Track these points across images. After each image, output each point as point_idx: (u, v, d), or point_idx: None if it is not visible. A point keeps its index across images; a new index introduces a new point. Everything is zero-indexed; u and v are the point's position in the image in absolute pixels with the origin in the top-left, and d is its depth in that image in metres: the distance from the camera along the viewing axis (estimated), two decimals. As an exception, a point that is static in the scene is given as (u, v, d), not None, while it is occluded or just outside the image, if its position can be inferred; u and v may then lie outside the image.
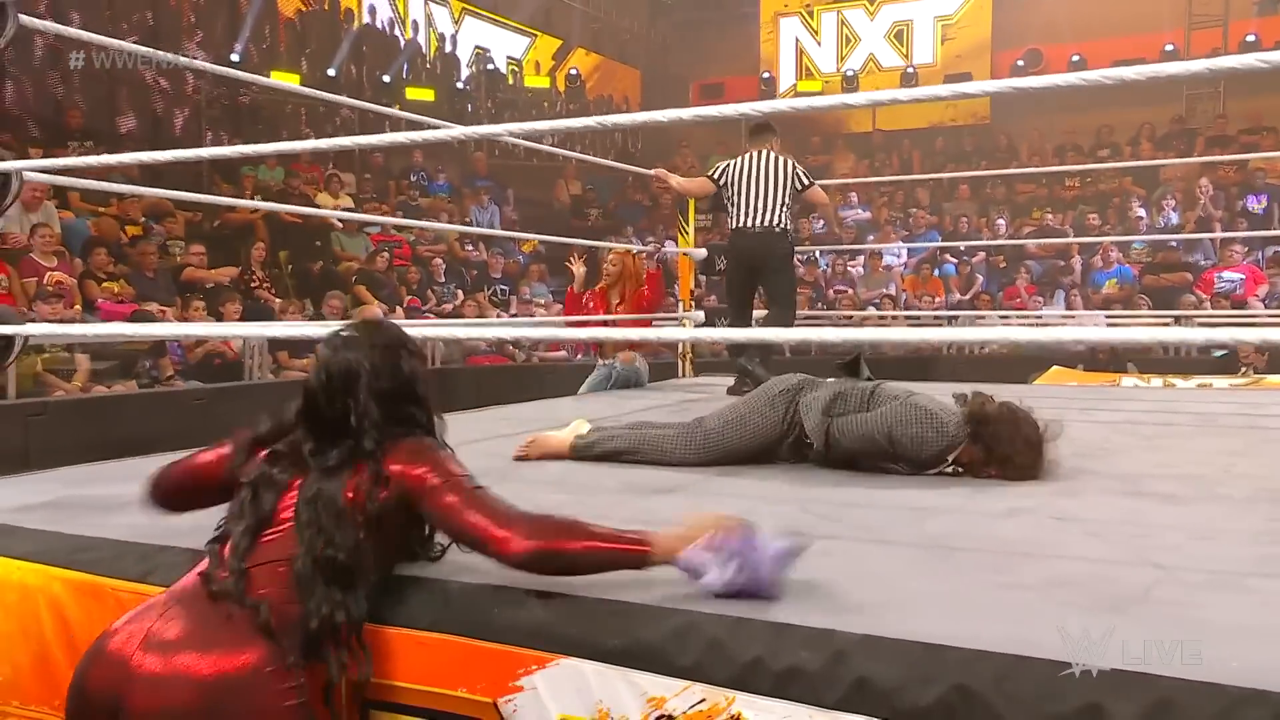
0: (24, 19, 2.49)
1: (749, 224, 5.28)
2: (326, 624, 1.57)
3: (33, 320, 4.92)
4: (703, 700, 1.48)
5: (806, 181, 5.38)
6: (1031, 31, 16.42)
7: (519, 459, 3.15)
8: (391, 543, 1.73)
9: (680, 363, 6.85)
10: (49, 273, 7.37)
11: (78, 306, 7.22)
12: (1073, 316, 10.82)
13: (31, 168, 2.50)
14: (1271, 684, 1.25)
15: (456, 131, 4.24)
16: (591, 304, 6.04)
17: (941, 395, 2.99)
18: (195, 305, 7.61)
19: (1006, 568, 1.88)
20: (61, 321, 6.38)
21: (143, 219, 8.96)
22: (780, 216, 5.27)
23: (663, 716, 1.50)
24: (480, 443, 3.36)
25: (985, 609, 1.63)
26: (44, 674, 1.90)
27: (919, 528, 2.25)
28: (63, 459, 3.29)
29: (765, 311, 5.78)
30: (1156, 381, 7.43)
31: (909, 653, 1.42)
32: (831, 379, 3.13)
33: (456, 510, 1.64)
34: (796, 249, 5.87)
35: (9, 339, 2.35)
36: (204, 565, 1.66)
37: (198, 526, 2.10)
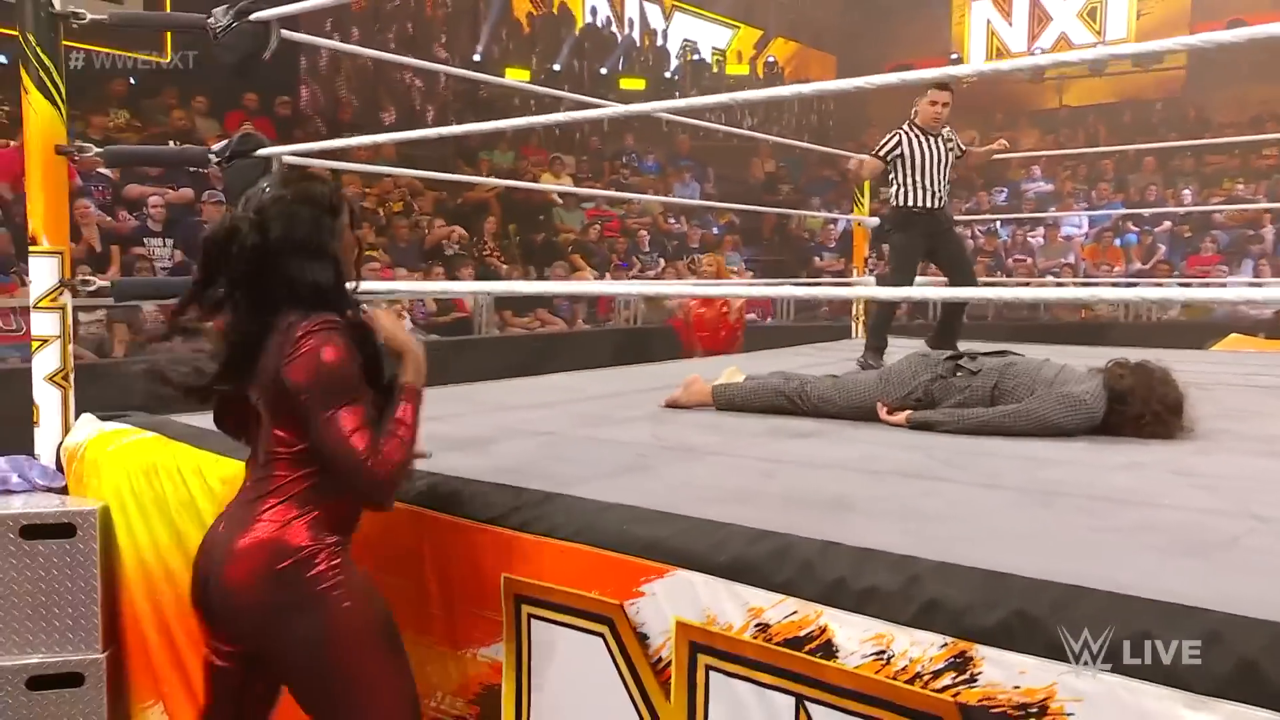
0: (285, 33, 2.74)
1: (921, 201, 4.69)
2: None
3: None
4: (795, 612, 1.53)
5: (962, 149, 4.99)
6: (1232, 2, 14.88)
7: (670, 405, 3.23)
8: None
9: (854, 324, 6.74)
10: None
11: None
12: (1260, 285, 9.87)
13: (286, 152, 2.77)
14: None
15: (644, 108, 4.46)
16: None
17: (1069, 360, 2.86)
18: (436, 271, 8.10)
19: (1103, 512, 1.82)
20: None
21: (404, 198, 9.59)
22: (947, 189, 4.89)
23: (761, 624, 1.56)
24: (656, 391, 3.48)
25: (1067, 547, 1.59)
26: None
27: (1032, 475, 2.18)
28: None
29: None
30: (1342, 350, 6.71)
31: (977, 579, 1.41)
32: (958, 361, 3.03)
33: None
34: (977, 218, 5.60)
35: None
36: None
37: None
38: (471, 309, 7.86)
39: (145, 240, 6.89)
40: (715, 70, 16.45)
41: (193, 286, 1.65)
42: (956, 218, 5.47)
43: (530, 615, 1.80)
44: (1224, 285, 9.95)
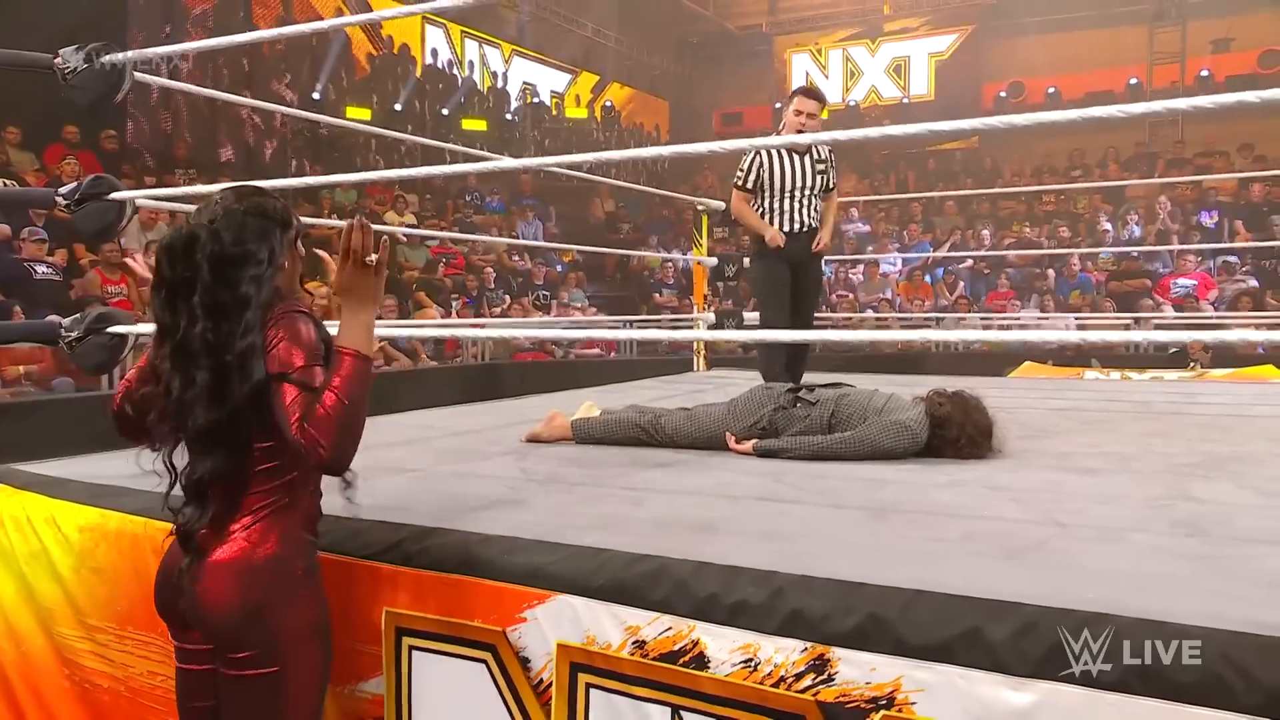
0: (139, 75, 2.66)
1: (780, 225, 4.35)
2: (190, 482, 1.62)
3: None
4: (669, 628, 1.62)
5: (833, 182, 4.57)
6: (1014, 66, 16.38)
7: (531, 440, 3.28)
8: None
9: (695, 358, 6.97)
10: (158, 281, 7.61)
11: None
12: (1046, 319, 10.84)
13: (142, 196, 2.68)
14: (1113, 608, 1.37)
15: (508, 164, 4.40)
16: None
17: (892, 387, 3.11)
18: (280, 309, 7.82)
19: (932, 525, 2.00)
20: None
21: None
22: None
23: (638, 641, 1.64)
24: (515, 426, 3.53)
25: (906, 556, 1.75)
26: (150, 608, 2.06)
27: (870, 495, 2.37)
28: None
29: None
30: (1115, 375, 7.46)
31: (833, 589, 1.55)
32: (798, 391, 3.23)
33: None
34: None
35: (123, 337, 2.53)
36: None
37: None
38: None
39: (-44, 279, 6.37)
40: (555, 113, 16.66)
41: (157, 297, 1.62)
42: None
43: (411, 647, 1.82)
44: (1020, 320, 10.89)
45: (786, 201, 4.34)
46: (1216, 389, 5.67)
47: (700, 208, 6.77)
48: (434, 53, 14.44)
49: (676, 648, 1.61)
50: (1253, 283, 10.45)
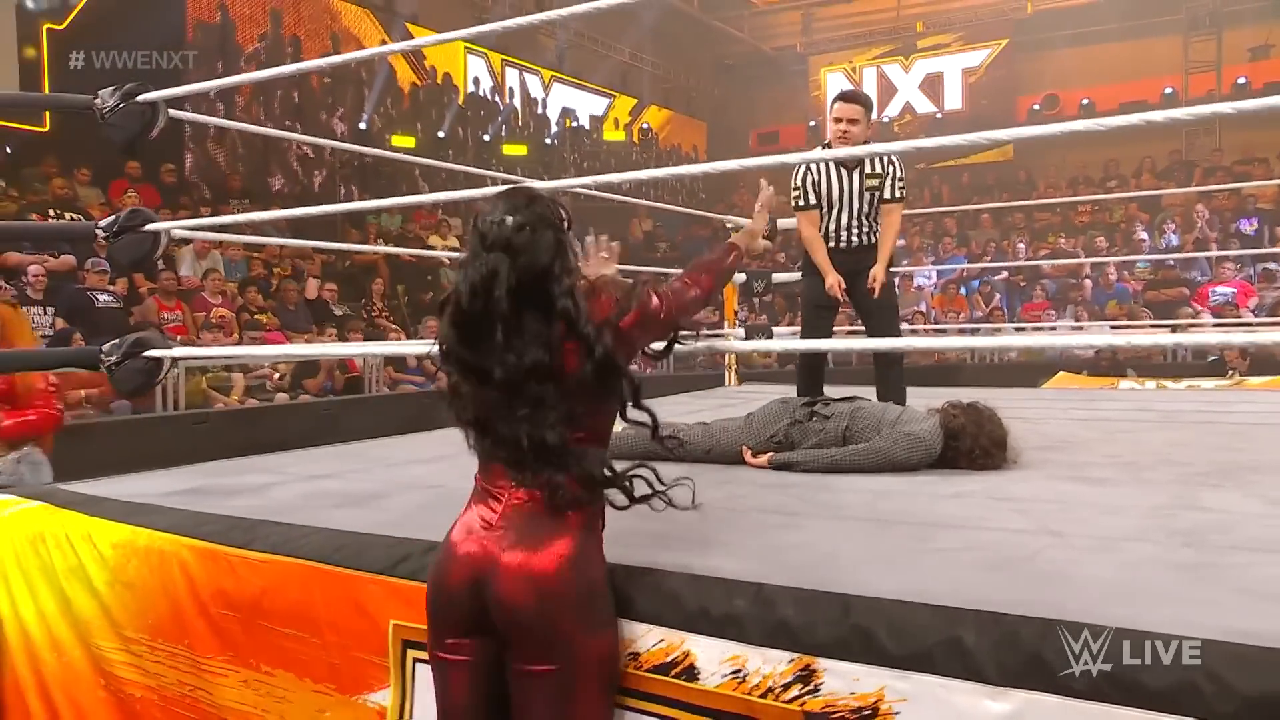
0: (173, 112, 2.75)
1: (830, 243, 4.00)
2: (558, 496, 1.60)
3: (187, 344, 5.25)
4: (662, 640, 1.63)
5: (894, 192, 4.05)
6: (1047, 79, 16.16)
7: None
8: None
9: (727, 373, 6.97)
10: (215, 308, 7.82)
11: (235, 335, 7.65)
12: (1081, 328, 10.63)
13: (176, 227, 2.76)
14: (1092, 617, 1.35)
15: (535, 185, 4.44)
16: None
17: (930, 400, 3.08)
18: (329, 331, 7.99)
19: (931, 536, 1.98)
20: (213, 345, 6.81)
21: (293, 263, 9.46)
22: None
23: (633, 654, 1.65)
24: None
25: (898, 567, 1.74)
26: (178, 620, 2.13)
27: (873, 506, 2.35)
28: (220, 458, 3.57)
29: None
30: (1151, 384, 7.29)
31: (820, 600, 1.54)
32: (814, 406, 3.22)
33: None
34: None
35: (159, 361, 2.61)
36: (507, 484, 1.64)
37: (271, 507, 2.32)
38: (361, 368, 7.77)
39: (24, 309, 6.58)
40: (594, 136, 16.79)
41: (463, 339, 1.60)
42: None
43: (416, 659, 1.84)
44: (1054, 328, 10.71)
45: (833, 223, 3.92)
46: (1251, 397, 5.52)
47: (730, 225, 6.78)
48: (475, 81, 14.66)
49: (669, 659, 1.61)
50: (1295, 289, 10.19)
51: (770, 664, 1.52)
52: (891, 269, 4.04)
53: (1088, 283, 11.59)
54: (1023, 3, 17.03)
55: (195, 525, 2.17)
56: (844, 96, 3.86)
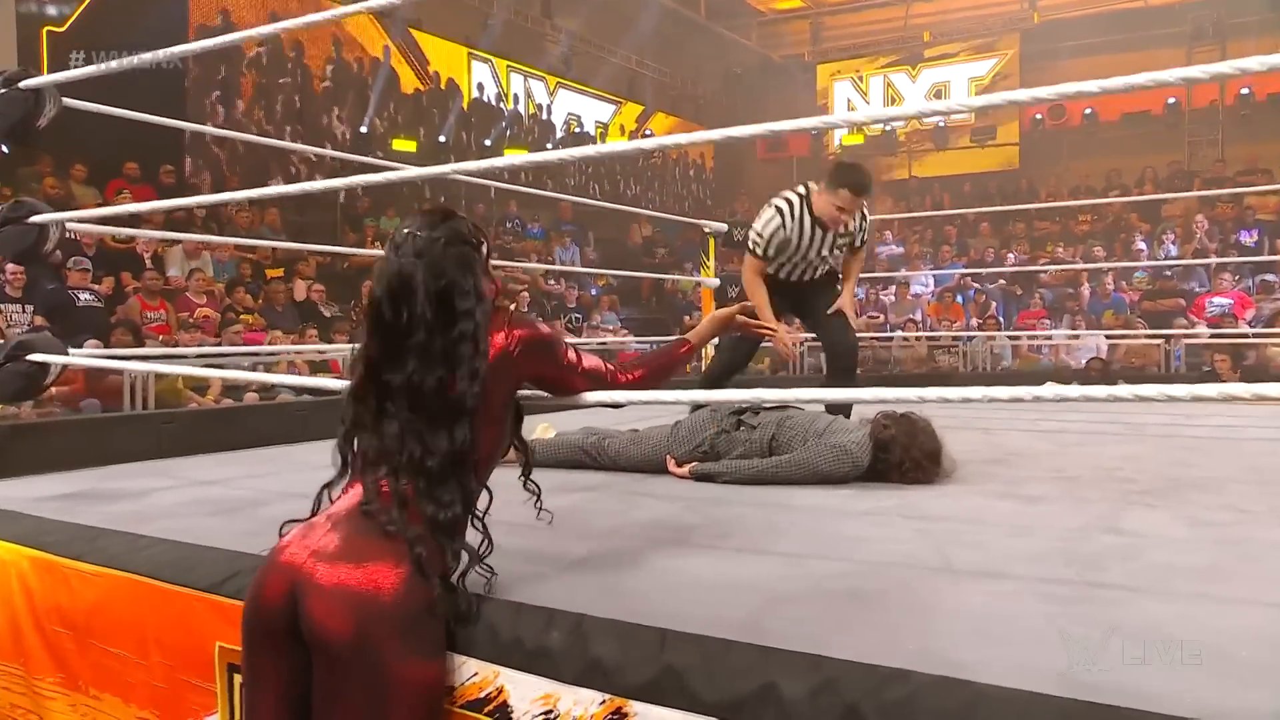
0: (67, 101, 2.61)
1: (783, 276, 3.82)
2: (434, 524, 1.47)
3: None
4: (476, 674, 1.46)
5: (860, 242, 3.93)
6: (1051, 79, 15.86)
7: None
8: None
9: (704, 378, 6.78)
10: (199, 308, 7.72)
11: (219, 336, 7.53)
12: (1077, 337, 10.37)
13: (69, 218, 2.62)
14: (920, 662, 1.17)
15: (462, 167, 4.31)
16: None
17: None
18: (310, 333, 7.86)
19: (803, 561, 1.80)
20: (198, 347, 6.69)
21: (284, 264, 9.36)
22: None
23: (449, 687, 1.48)
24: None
25: (746, 597, 1.55)
26: (14, 637, 1.97)
27: (767, 523, 2.17)
28: (184, 456, 3.65)
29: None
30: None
31: (637, 636, 1.36)
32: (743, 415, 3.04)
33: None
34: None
35: (45, 366, 2.46)
36: (358, 493, 1.51)
37: (141, 514, 2.17)
38: (343, 369, 7.63)
39: (1, 306, 6.50)
40: (598, 142, 16.64)
41: (376, 344, 1.53)
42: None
43: (241, 683, 1.67)
44: (1049, 338, 10.46)
45: (790, 265, 3.75)
46: (1228, 410, 5.27)
47: (707, 230, 6.60)
48: (479, 86, 14.54)
49: (482, 695, 1.44)
50: (1293, 301, 9.87)
51: (582, 705, 1.35)
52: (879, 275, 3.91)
53: (1085, 291, 11.31)
54: (1029, 13, 16.75)
55: (38, 534, 2.01)
56: (861, 190, 3.56)
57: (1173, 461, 3.12)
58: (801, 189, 3.71)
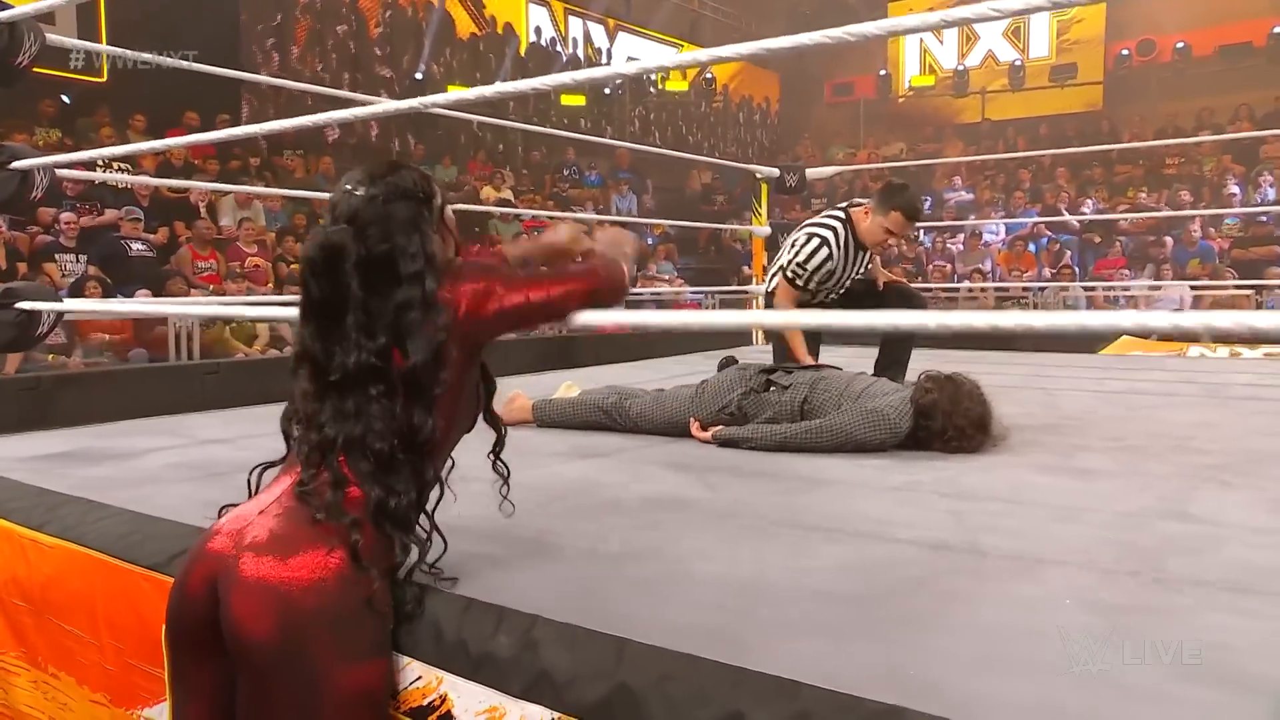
0: (51, 37, 2.47)
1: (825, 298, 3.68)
2: (381, 511, 1.30)
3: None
4: (420, 678, 1.28)
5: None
6: (1139, 24, 14.86)
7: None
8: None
9: (754, 332, 6.52)
10: (249, 257, 7.70)
11: (270, 285, 7.52)
12: (1159, 287, 9.75)
13: (52, 162, 2.49)
14: (922, 700, 0.94)
15: (433, 99, 4.05)
16: None
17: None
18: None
19: (817, 548, 1.57)
20: (248, 295, 6.66)
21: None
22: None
23: (393, 691, 1.31)
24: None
25: (737, 594, 1.34)
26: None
27: (789, 499, 1.95)
28: (229, 408, 3.69)
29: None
30: (1224, 351, 6.54)
31: (591, 647, 1.16)
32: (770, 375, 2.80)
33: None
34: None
35: (34, 314, 2.35)
36: (296, 474, 1.34)
37: (117, 479, 2.04)
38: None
39: (57, 256, 6.55)
40: (660, 86, 16.20)
41: (311, 318, 1.35)
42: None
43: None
44: (1126, 289, 9.87)
45: (831, 293, 3.60)
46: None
47: (759, 175, 6.28)
48: (537, 30, 14.21)
49: (426, 702, 1.27)
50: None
51: (527, 723, 1.16)
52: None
53: (1169, 239, 10.63)
54: (1116, -61, 15.64)
55: (4, 500, 1.90)
56: (915, 214, 3.51)
57: (1253, 431, 2.79)
58: (839, 213, 3.53)
